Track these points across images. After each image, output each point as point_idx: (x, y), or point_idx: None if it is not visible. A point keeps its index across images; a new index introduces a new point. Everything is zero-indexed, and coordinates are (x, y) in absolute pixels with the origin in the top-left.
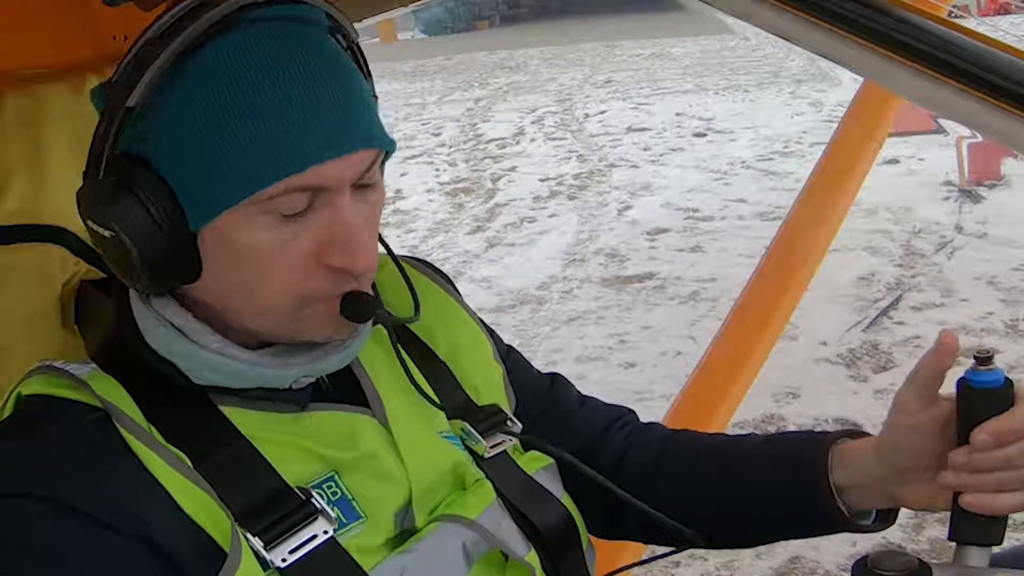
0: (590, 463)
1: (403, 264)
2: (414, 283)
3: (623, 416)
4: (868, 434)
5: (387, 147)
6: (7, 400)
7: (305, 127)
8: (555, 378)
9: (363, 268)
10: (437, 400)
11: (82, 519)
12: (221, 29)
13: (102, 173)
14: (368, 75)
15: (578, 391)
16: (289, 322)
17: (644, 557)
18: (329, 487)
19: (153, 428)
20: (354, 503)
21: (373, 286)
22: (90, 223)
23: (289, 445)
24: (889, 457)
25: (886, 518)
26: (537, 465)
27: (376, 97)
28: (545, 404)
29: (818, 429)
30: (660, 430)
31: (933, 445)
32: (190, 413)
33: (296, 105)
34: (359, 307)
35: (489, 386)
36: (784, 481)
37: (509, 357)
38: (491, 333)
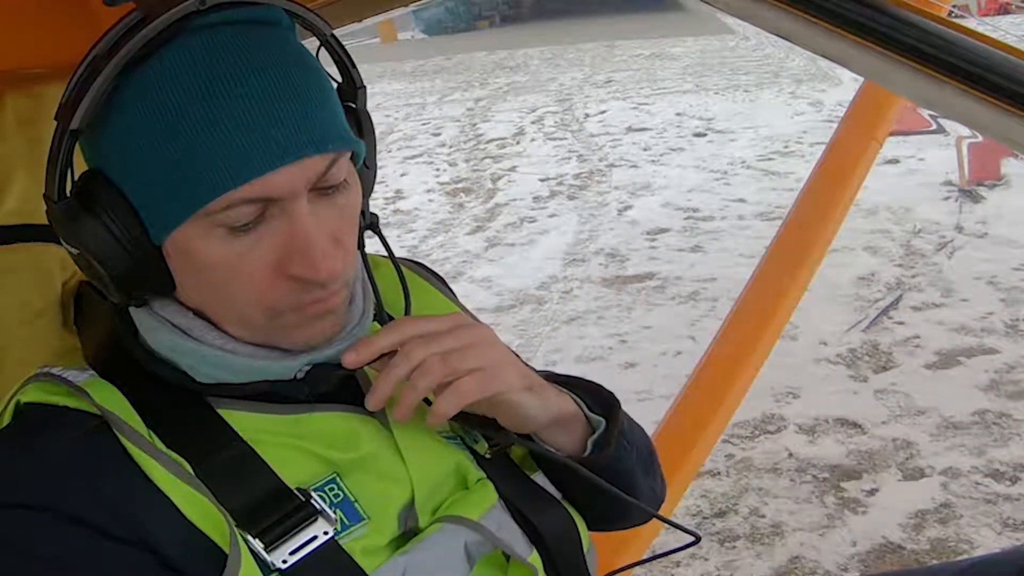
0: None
1: (399, 265)
2: (410, 285)
3: None
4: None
5: (344, 147)
6: (5, 407)
7: (241, 138)
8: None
9: (325, 276)
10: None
11: (84, 528)
12: (164, 40)
13: (58, 194)
14: (350, 65)
15: None
16: (264, 331)
17: (644, 557)
18: (331, 489)
19: (152, 434)
20: (356, 504)
21: (374, 286)
22: (62, 241)
23: (289, 447)
24: None
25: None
26: (537, 468)
27: (363, 88)
28: None
29: (815, 427)
30: None
31: None
32: (189, 417)
33: (233, 115)
34: (321, 379)
35: None
36: None
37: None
38: None
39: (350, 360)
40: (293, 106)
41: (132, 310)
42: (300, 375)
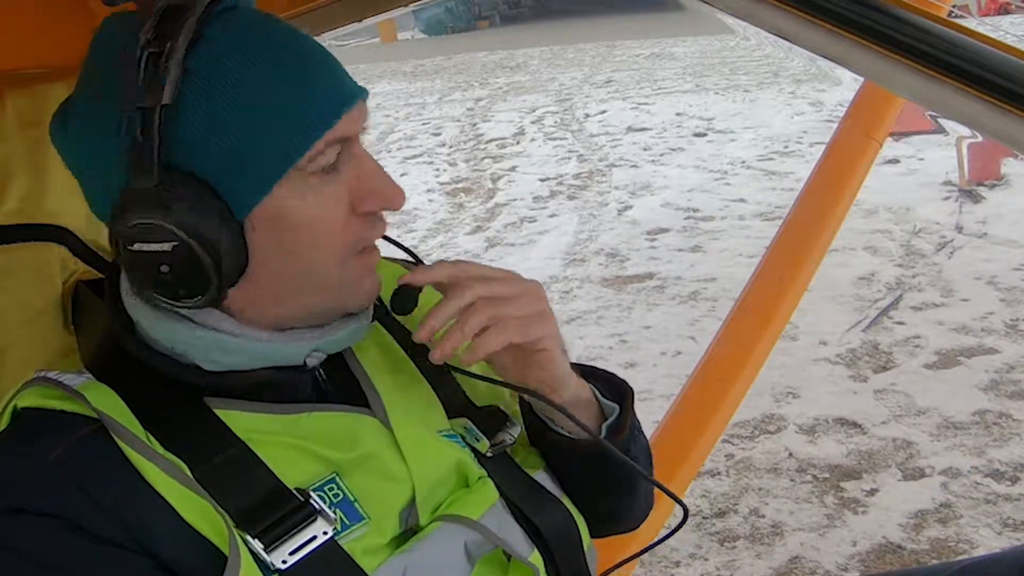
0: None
1: (395, 267)
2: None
3: None
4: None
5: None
6: (2, 413)
7: (322, 84)
8: None
9: (400, 201)
10: (439, 408)
11: (83, 534)
12: (202, 25)
13: (156, 180)
14: None
15: None
16: (336, 288)
17: (642, 549)
18: (331, 489)
19: (150, 436)
20: (356, 504)
21: None
22: (140, 244)
23: (288, 447)
24: None
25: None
26: (538, 466)
27: None
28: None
29: (815, 427)
30: None
31: None
32: (186, 418)
33: (307, 65)
34: (405, 302)
35: (489, 386)
36: None
37: None
38: None
39: (406, 279)
40: (333, 60)
41: (132, 304)
42: (311, 360)
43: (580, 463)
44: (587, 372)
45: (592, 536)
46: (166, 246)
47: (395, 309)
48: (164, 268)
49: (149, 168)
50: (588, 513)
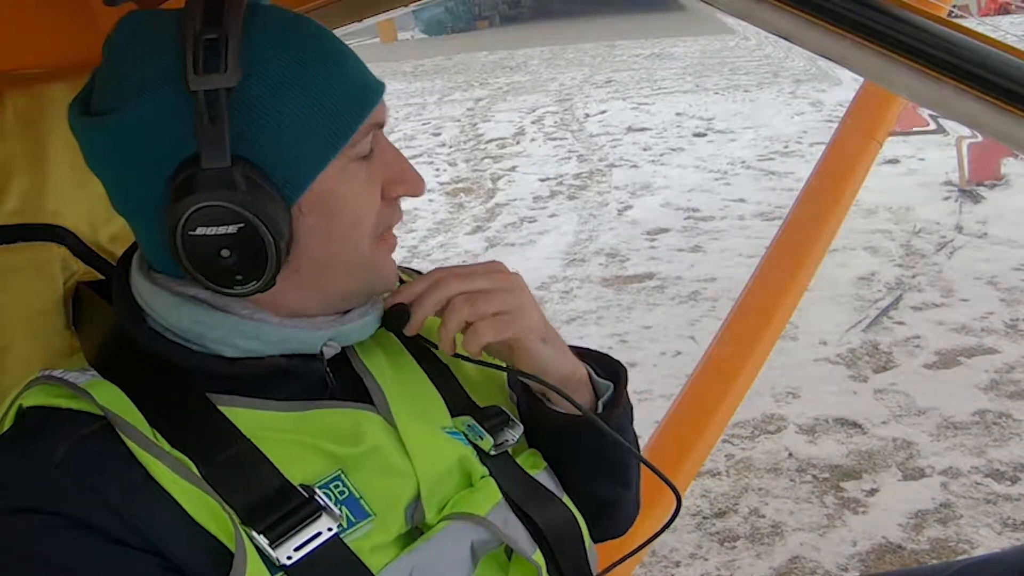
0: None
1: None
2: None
3: None
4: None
5: None
6: (7, 412)
7: (357, 74)
8: None
9: (424, 189)
10: (442, 407)
11: (91, 532)
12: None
13: (229, 159)
14: None
15: None
16: (365, 269)
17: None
18: (336, 486)
19: (156, 433)
20: (362, 501)
21: None
22: (203, 228)
23: (293, 444)
24: None
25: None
26: (539, 467)
27: None
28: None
29: (815, 427)
30: None
31: None
32: (192, 415)
33: (342, 58)
34: (398, 318)
35: (490, 387)
36: None
37: None
38: None
39: (390, 302)
40: (355, 53)
41: (148, 291)
42: (327, 349)
43: (574, 442)
44: (580, 352)
45: (597, 533)
46: (232, 228)
47: (388, 326)
48: (225, 252)
49: (220, 149)
50: (583, 504)
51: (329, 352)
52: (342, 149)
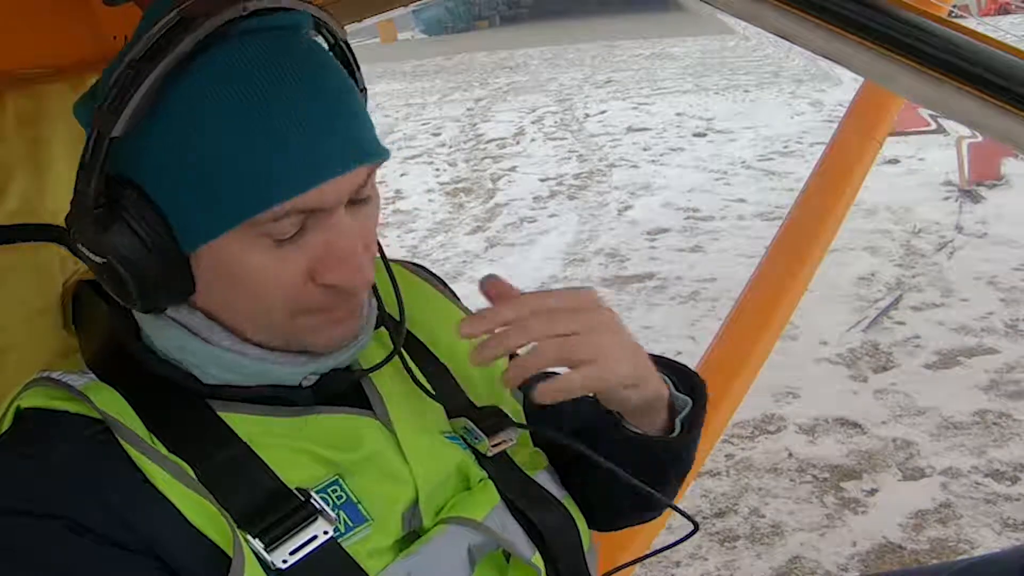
0: (595, 444)
1: (395, 268)
2: (410, 286)
3: None
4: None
5: (381, 158)
6: (5, 412)
7: (300, 148)
8: None
9: (362, 286)
10: (439, 410)
11: (90, 537)
12: (205, 46)
13: (92, 200)
14: (356, 69)
15: None
16: (285, 335)
17: (644, 553)
18: (334, 491)
19: (154, 438)
20: (360, 506)
21: (374, 288)
22: (81, 248)
23: (290, 449)
24: None
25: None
26: (538, 467)
27: (365, 91)
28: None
29: (815, 427)
30: None
31: None
32: (189, 419)
33: (290, 125)
34: (331, 385)
35: (490, 386)
36: None
37: None
38: None
39: (465, 331)
40: (341, 116)
41: (136, 312)
42: (306, 383)
43: (647, 459)
44: (655, 360)
45: (613, 527)
46: (98, 259)
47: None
48: (103, 276)
49: (85, 191)
50: (630, 501)
51: (309, 383)
52: (241, 226)
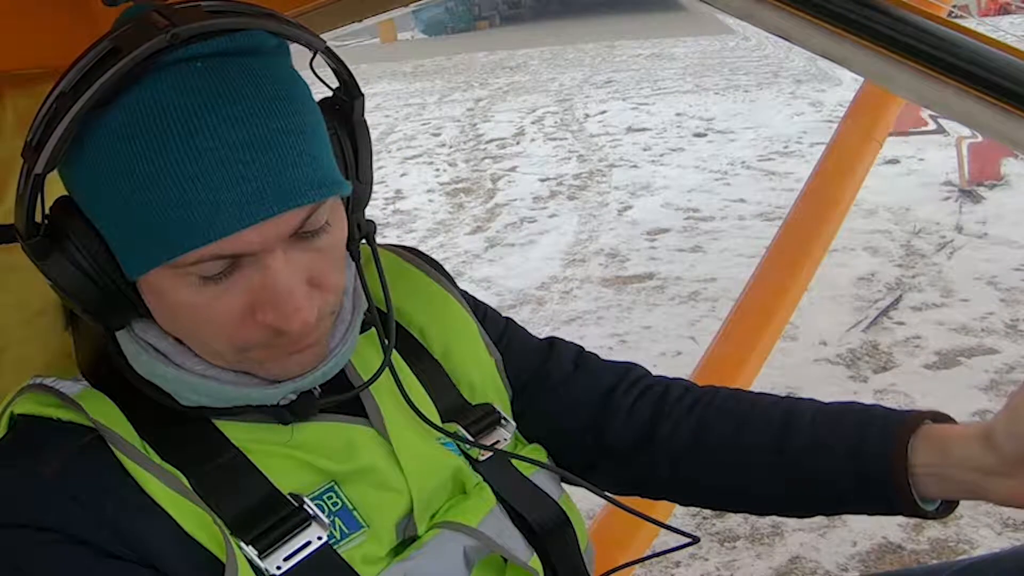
0: (602, 439)
1: (385, 257)
2: (400, 276)
3: (626, 376)
4: (951, 418)
5: (325, 196)
6: (0, 417)
7: (212, 194)
8: (552, 345)
9: (297, 329)
10: (432, 411)
11: (84, 547)
12: (135, 78)
13: (27, 232)
14: (349, 76)
15: (577, 351)
16: (236, 364)
17: (644, 555)
18: (329, 498)
19: (147, 447)
20: (355, 513)
21: (366, 290)
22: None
23: (284, 457)
24: (1004, 445)
25: (950, 505)
26: (534, 467)
27: (362, 98)
28: (540, 380)
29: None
30: (689, 396)
31: None
32: (182, 428)
33: (200, 171)
34: (308, 408)
35: (483, 381)
36: (853, 474)
37: (505, 335)
38: (485, 314)
39: None
40: (268, 158)
41: (117, 333)
42: (284, 402)
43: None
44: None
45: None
46: (49, 280)
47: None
48: (61, 296)
49: (21, 223)
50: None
51: (287, 401)
52: (164, 265)
